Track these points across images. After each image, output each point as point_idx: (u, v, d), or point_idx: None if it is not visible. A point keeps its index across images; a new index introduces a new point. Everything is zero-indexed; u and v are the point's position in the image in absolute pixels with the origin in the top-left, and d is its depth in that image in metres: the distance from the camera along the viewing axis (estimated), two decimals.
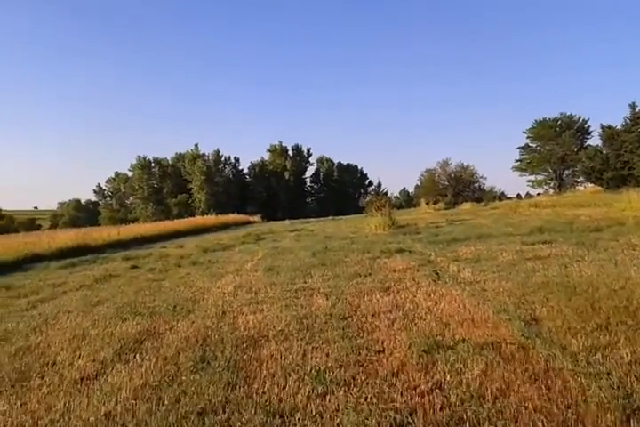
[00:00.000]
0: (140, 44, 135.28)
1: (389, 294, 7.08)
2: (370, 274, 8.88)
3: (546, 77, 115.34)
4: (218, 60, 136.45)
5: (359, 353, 4.60)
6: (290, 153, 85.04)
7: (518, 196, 70.88)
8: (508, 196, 70.23)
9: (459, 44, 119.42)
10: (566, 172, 63.20)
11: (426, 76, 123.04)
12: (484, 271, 8.20)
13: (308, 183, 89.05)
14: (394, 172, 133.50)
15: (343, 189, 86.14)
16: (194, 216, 52.55)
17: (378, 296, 6.97)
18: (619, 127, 43.69)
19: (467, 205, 43.45)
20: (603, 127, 44.92)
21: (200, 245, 17.87)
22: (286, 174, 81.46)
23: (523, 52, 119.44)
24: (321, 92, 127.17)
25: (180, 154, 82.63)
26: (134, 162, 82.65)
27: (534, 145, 65.80)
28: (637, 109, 43.44)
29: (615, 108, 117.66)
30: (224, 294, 8.04)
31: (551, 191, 62.50)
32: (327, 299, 7.04)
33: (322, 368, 4.29)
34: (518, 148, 67.07)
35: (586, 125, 61.01)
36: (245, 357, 4.77)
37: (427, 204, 46.70)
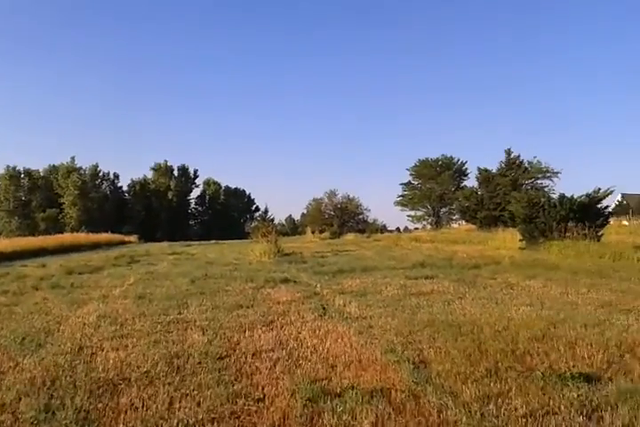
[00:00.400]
0: None
1: (272, 330, 6.57)
2: (252, 305, 8.33)
3: (429, 121, 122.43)
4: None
5: (236, 402, 4.00)
6: (175, 173, 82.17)
7: (398, 229, 73.74)
8: (389, 229, 73.31)
9: (345, 77, 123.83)
10: (443, 209, 67.19)
11: (315, 107, 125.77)
12: (370, 306, 7.96)
13: (193, 205, 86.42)
14: (281, 199, 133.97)
15: (229, 214, 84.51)
16: (62, 233, 48.63)
17: (260, 331, 6.43)
18: (494, 171, 47.19)
19: (351, 236, 44.26)
20: (479, 170, 48.30)
21: (65, 266, 16.20)
22: (170, 194, 78.37)
23: (410, 93, 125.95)
24: (211, 116, 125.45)
25: (54, 166, 77.04)
26: (1, 172, 75.73)
27: (416, 182, 69.55)
28: (512, 155, 47.28)
29: (492, 154, 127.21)
30: (84, 324, 7.03)
31: (428, 227, 65.81)
32: (203, 334, 6.38)
33: (191, 422, 3.64)
34: (401, 184, 70.51)
35: (464, 167, 65.78)
36: (100, 406, 3.97)
37: (312, 232, 46.99)
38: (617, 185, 17.73)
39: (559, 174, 47.69)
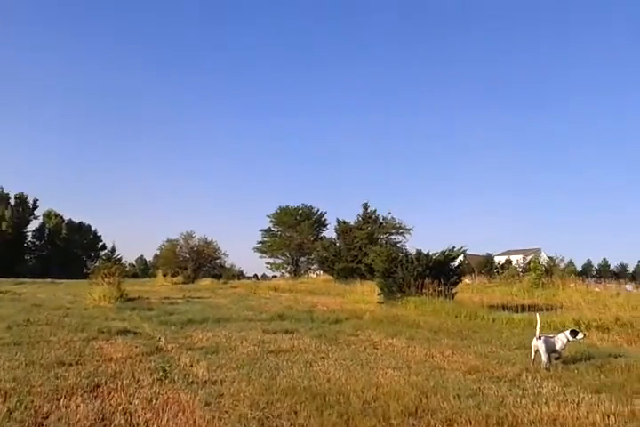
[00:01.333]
0: None
1: (96, 398, 5.25)
2: (77, 362, 6.91)
3: (289, 170, 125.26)
4: None
5: None
6: (12, 202, 73.46)
7: (256, 276, 72.46)
8: (247, 275, 71.87)
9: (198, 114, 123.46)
10: (302, 258, 67.34)
11: (168, 150, 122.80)
12: (221, 367, 6.89)
13: (30, 238, 77.55)
14: (133, 238, 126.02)
15: (71, 250, 76.95)
16: None
17: (79, 400, 5.10)
18: (352, 223, 48.39)
19: (206, 281, 42.29)
20: (338, 221, 49.27)
21: None
22: (4, 225, 69.64)
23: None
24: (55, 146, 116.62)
25: None
26: None
27: (276, 229, 69.33)
28: (369, 210, 48.94)
29: (351, 206, 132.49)
30: None
31: (287, 275, 65.49)
32: (4, 401, 4.89)
33: None
34: (261, 230, 69.81)
35: (323, 218, 66.91)
36: None
37: (164, 275, 44.18)
38: (467, 246, 18.40)
39: (411, 231, 50.25)
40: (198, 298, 21.00)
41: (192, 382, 6.05)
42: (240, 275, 67.01)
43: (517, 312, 14.34)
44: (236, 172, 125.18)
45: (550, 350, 7.42)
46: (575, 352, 8.22)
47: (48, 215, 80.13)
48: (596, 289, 29.84)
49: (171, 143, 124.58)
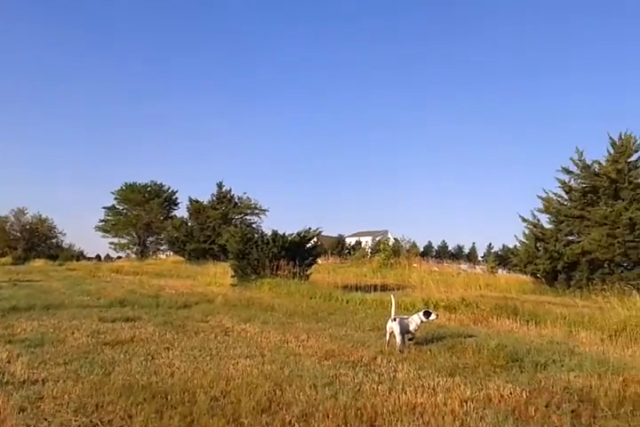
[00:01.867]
0: None
1: None
2: None
3: (137, 145, 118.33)
4: None
5: None
6: None
7: (99, 257, 67.67)
8: (88, 256, 66.69)
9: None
10: (150, 238, 64.00)
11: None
12: (45, 363, 5.88)
13: None
14: None
15: None
16: None
17: None
18: (206, 203, 46.83)
19: (40, 262, 38.37)
20: (191, 200, 47.39)
21: None
22: None
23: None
24: None
25: None
26: None
27: (121, 208, 64.80)
28: (223, 189, 47.64)
29: (205, 185, 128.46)
30: None
31: (133, 256, 61.96)
32: None
33: None
34: (105, 208, 64.76)
35: (174, 196, 63.77)
36: None
37: None
38: (322, 227, 18.38)
39: (266, 212, 50.07)
40: (27, 281, 18.74)
41: (7, 382, 5.05)
42: (80, 256, 62.15)
43: (370, 292, 14.59)
44: (73, 143, 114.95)
45: (404, 331, 7.36)
46: (427, 333, 8.31)
47: None
48: (435, 269, 32.06)
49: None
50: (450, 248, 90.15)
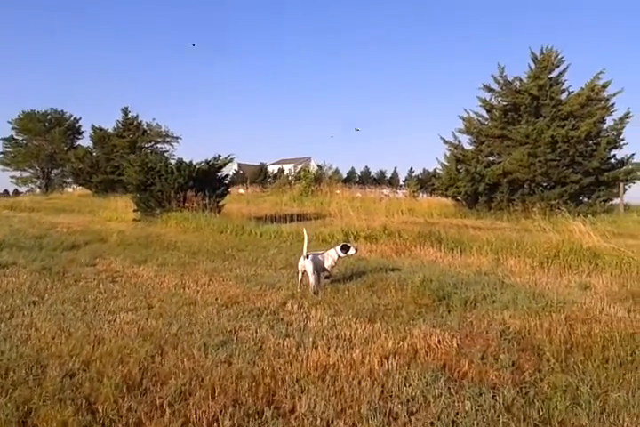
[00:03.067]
0: None
1: None
2: None
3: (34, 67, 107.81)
4: None
5: None
6: None
7: (7, 192, 61.96)
8: None
9: None
10: (55, 171, 59.37)
11: None
12: None
13: None
14: None
15: None
16: None
17: None
18: (111, 131, 43.26)
19: None
20: (94, 128, 43.54)
21: None
22: None
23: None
24: None
25: None
26: None
27: (21, 138, 59.04)
28: (130, 115, 44.05)
29: (111, 112, 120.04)
30: None
31: (38, 190, 57.59)
32: None
33: None
34: (2, 139, 58.71)
35: (77, 124, 58.64)
36: None
37: None
38: (235, 154, 16.84)
39: (179, 140, 47.30)
40: None
41: None
42: None
43: (287, 223, 13.64)
44: None
45: (320, 269, 6.45)
46: (345, 268, 7.47)
47: None
48: (358, 194, 31.62)
49: None
50: (372, 174, 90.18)
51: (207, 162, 15.82)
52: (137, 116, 44.15)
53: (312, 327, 4.80)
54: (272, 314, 5.28)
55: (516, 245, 8.43)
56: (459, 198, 20.26)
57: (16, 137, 58.70)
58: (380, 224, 11.27)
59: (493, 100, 20.91)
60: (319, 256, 6.46)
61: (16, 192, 59.87)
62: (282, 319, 5.10)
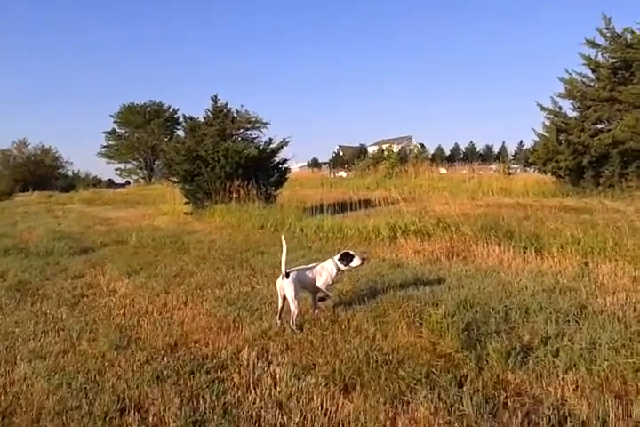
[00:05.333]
0: None
1: None
2: None
3: (135, 64, 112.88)
4: None
5: None
6: None
7: (95, 185, 64.80)
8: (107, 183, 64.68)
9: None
10: (157, 161, 61.43)
11: None
12: None
13: None
14: None
15: None
16: None
17: None
18: (202, 119, 43.19)
19: (27, 196, 36.19)
20: (185, 118, 43.72)
21: None
22: None
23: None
24: None
25: None
26: None
27: (122, 131, 61.57)
28: (219, 103, 43.79)
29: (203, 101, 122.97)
30: None
31: (142, 181, 60.08)
32: None
33: None
34: (105, 132, 61.58)
35: (175, 115, 59.94)
36: None
37: None
38: (292, 136, 14.98)
39: (268, 125, 46.45)
40: None
41: None
42: (98, 184, 60.38)
43: (347, 211, 11.88)
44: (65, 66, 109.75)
45: (312, 289, 4.68)
46: (367, 279, 5.64)
47: None
48: (443, 171, 29.03)
49: None
50: (478, 149, 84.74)
51: (257, 147, 14.32)
52: (226, 104, 43.70)
53: (253, 399, 3.10)
54: (214, 369, 3.63)
55: (611, 243, 6.02)
56: (560, 174, 17.20)
57: (118, 130, 61.42)
58: (460, 208, 9.15)
59: (600, 57, 17.37)
60: (308, 272, 4.66)
61: (113, 184, 62.78)
62: (221, 380, 3.43)
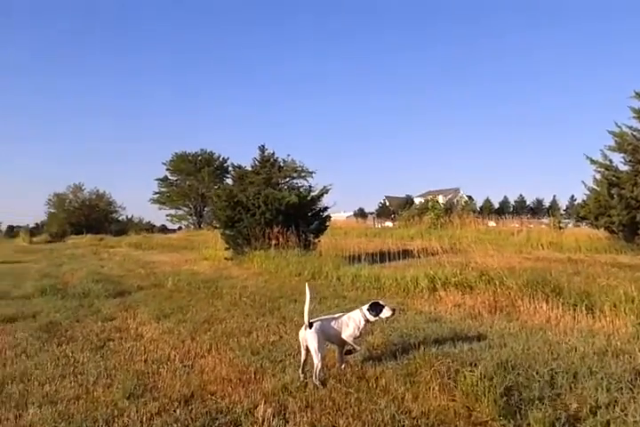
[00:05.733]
0: None
1: None
2: None
3: (188, 113, 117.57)
4: None
5: None
6: None
7: (148, 230, 66.48)
8: (158, 228, 66.49)
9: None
10: (207, 208, 62.72)
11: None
12: None
13: None
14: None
15: None
16: None
17: None
18: (249, 168, 44.21)
19: (79, 238, 37.39)
20: (234, 167, 44.86)
21: None
22: None
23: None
24: None
25: None
26: None
27: (174, 178, 63.65)
28: (266, 153, 44.80)
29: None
30: None
31: (192, 227, 61.28)
32: None
33: None
34: (157, 179, 63.73)
35: (225, 164, 61.65)
36: None
37: (33, 235, 38.96)
38: (334, 184, 14.88)
39: (313, 174, 47.02)
40: (14, 263, 17.05)
41: None
42: (150, 229, 62.10)
43: (386, 262, 11.54)
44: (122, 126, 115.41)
45: (337, 341, 4.39)
46: (399, 333, 5.29)
47: None
48: (492, 224, 28.29)
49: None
50: (528, 203, 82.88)
51: (297, 194, 14.29)
52: (273, 153, 44.72)
53: None
54: (226, 426, 3.36)
55: None
56: (613, 229, 16.39)
57: (170, 177, 63.47)
58: (506, 261, 8.74)
59: None
60: (333, 323, 4.38)
61: (164, 229, 64.29)
62: None
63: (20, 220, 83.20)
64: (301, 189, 15.78)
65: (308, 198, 14.56)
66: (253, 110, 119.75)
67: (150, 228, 64.17)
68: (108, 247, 26.43)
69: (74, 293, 9.02)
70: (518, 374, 3.90)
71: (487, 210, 65.27)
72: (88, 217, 58.07)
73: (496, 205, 76.76)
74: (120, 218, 64.45)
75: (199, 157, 62.16)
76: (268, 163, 42.23)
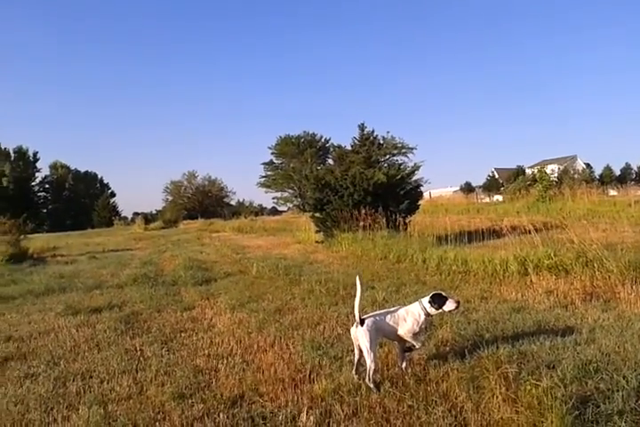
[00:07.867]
0: None
1: None
2: None
3: (289, 95, 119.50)
4: None
5: None
6: (11, 156, 70.10)
7: (256, 213, 68.71)
8: (263, 211, 68.59)
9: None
10: None
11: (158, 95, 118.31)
12: None
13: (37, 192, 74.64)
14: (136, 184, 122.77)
15: (78, 200, 74.12)
16: None
17: None
18: (349, 147, 43.92)
19: (189, 224, 39.25)
20: (334, 147, 44.77)
21: None
22: (4, 181, 65.91)
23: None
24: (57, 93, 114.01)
25: None
26: None
27: (279, 162, 65.01)
28: (365, 131, 44.19)
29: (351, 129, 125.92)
30: None
31: (296, 209, 62.45)
32: None
33: None
34: (263, 163, 65.43)
35: (327, 145, 61.74)
36: None
37: (147, 222, 41.40)
38: (426, 159, 14.04)
39: (414, 150, 45.68)
40: (124, 250, 18.14)
41: None
42: (259, 211, 64.12)
43: (481, 241, 10.86)
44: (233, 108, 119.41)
45: (394, 338, 4.03)
46: (476, 326, 4.82)
47: (55, 167, 77.91)
48: (614, 193, 25.93)
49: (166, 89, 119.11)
50: None
51: (385, 173, 13.70)
52: (372, 131, 43.96)
53: None
54: None
55: None
56: None
57: (275, 161, 64.96)
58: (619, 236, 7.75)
59: None
60: (389, 318, 4.01)
61: (273, 211, 66.00)
62: None
63: (141, 208, 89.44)
64: (391, 168, 15.16)
65: (398, 177, 13.96)
66: (355, 89, 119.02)
67: (260, 210, 66.17)
68: (214, 232, 27.54)
69: (164, 281, 9.34)
70: (601, 378, 3.35)
71: (608, 178, 60.27)
72: (202, 203, 60.98)
73: (617, 173, 70.67)
74: (232, 202, 67.14)
75: (302, 139, 62.89)
76: (367, 141, 41.73)
